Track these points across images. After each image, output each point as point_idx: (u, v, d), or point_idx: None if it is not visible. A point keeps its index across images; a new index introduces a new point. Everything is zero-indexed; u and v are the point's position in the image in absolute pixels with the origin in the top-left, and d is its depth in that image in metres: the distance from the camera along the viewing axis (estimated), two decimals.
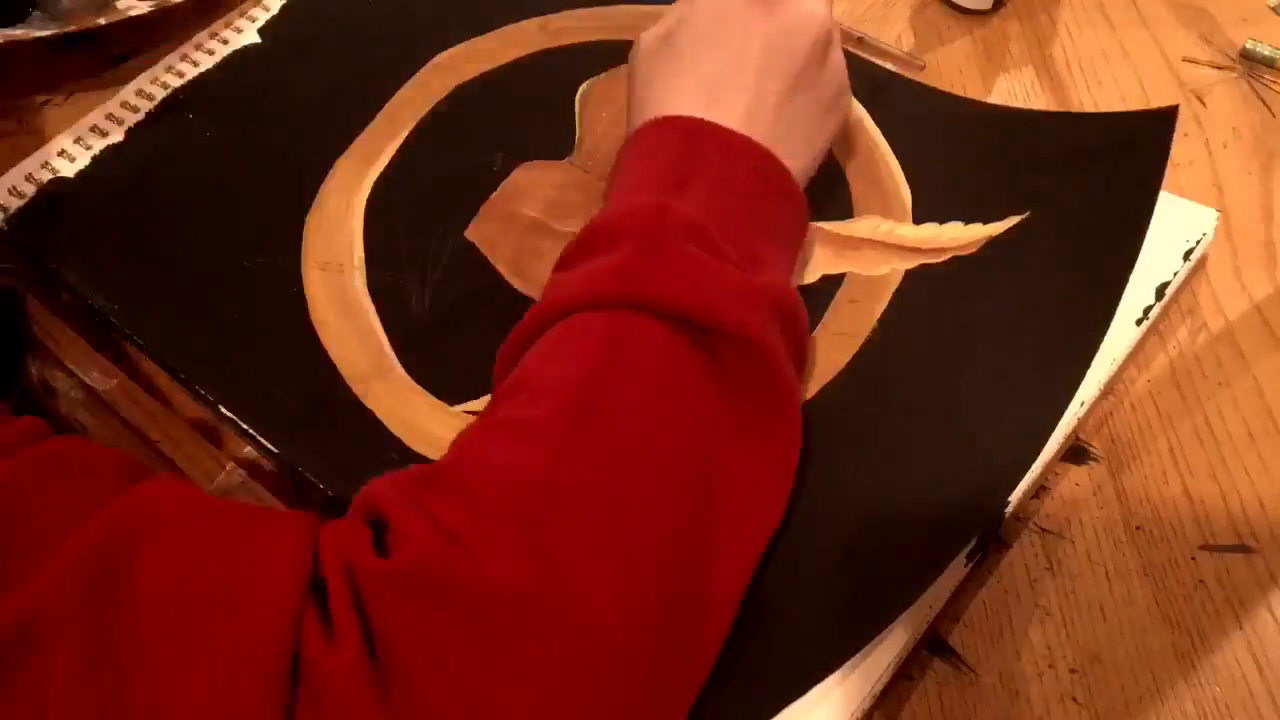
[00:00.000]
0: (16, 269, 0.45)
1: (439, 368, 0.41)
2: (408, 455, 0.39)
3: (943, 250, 0.43)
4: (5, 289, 0.45)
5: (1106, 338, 0.39)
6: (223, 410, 0.40)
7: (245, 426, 0.40)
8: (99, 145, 0.48)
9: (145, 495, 0.28)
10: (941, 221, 0.43)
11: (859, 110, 0.47)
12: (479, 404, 0.40)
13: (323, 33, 0.53)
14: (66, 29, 0.51)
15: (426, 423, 0.40)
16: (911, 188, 0.45)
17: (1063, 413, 0.38)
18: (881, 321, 0.41)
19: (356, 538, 0.29)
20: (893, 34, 0.52)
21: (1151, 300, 0.40)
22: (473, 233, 0.45)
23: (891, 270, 0.42)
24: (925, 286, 0.42)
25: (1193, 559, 0.36)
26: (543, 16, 0.52)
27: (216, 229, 0.45)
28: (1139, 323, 0.40)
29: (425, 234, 0.45)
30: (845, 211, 0.44)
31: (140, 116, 0.49)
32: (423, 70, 0.51)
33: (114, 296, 0.44)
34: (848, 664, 0.33)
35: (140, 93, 0.50)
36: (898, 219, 0.44)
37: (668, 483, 0.31)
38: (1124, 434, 0.39)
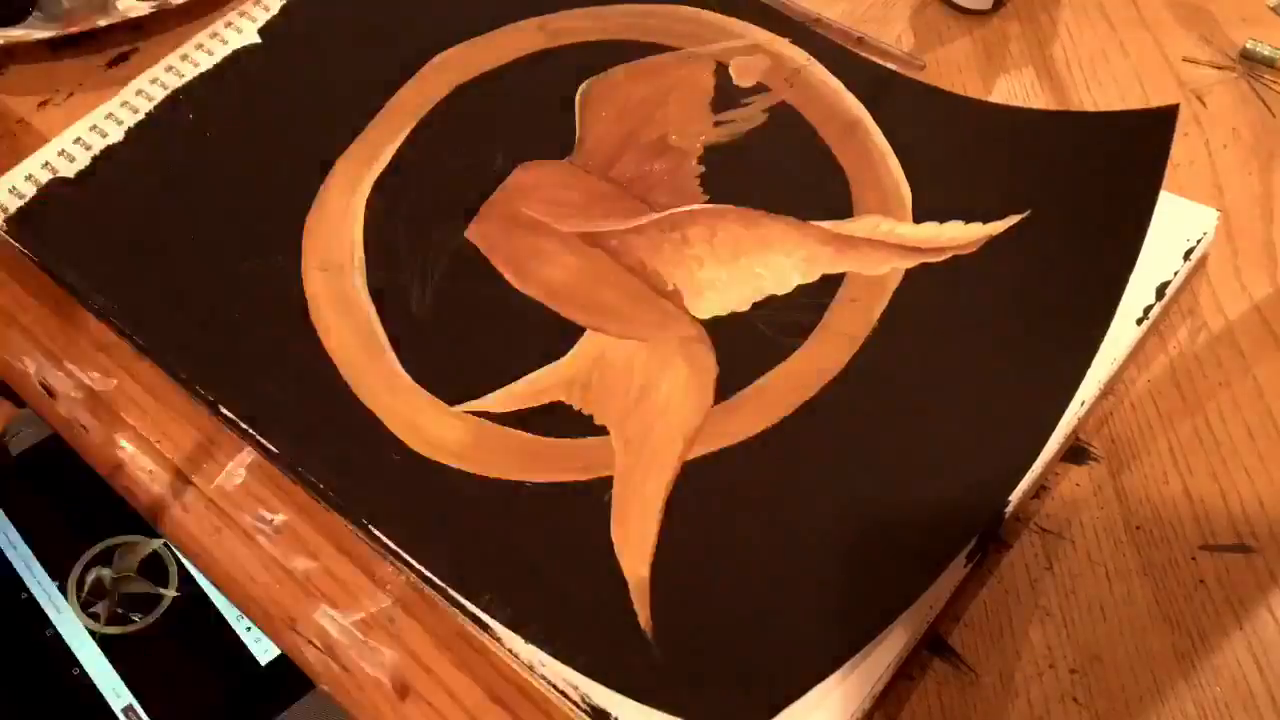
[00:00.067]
0: None
1: (439, 368, 0.41)
2: (408, 455, 0.39)
3: (943, 250, 0.43)
4: None
5: (1106, 337, 0.39)
6: (223, 410, 0.40)
7: (245, 426, 0.40)
8: (99, 145, 0.48)
9: None
10: (942, 221, 0.43)
11: (859, 110, 0.47)
12: (479, 404, 0.40)
13: (323, 33, 0.53)
14: (66, 29, 0.51)
15: (426, 423, 0.40)
16: (911, 187, 0.45)
17: (1063, 413, 0.38)
18: (881, 321, 0.41)
19: None
20: (893, 34, 0.52)
21: (1152, 300, 0.40)
22: (473, 232, 0.45)
23: (891, 270, 0.42)
24: (925, 286, 0.42)
25: (1193, 559, 0.36)
26: (542, 16, 0.52)
27: (217, 229, 0.45)
28: (1139, 322, 0.40)
29: (425, 234, 0.45)
30: (845, 211, 0.44)
31: (140, 116, 0.49)
32: (423, 70, 0.51)
33: (114, 296, 0.44)
34: (848, 664, 0.33)
35: (140, 93, 0.50)
36: (898, 218, 0.44)
37: None
38: (1124, 434, 0.39)
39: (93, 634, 0.84)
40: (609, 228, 0.44)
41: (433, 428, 0.39)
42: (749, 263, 0.43)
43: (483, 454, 0.39)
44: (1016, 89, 0.50)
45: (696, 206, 0.45)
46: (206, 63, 0.52)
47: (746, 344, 0.41)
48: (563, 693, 0.34)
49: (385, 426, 0.40)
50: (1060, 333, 0.40)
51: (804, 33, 0.51)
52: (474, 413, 0.40)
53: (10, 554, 0.86)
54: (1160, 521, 0.37)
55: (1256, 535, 0.36)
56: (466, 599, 0.36)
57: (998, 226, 0.43)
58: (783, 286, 0.42)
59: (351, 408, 0.40)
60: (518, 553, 0.37)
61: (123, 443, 0.42)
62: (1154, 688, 0.34)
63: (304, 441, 0.39)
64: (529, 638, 0.35)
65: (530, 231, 0.44)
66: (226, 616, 0.82)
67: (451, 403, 0.40)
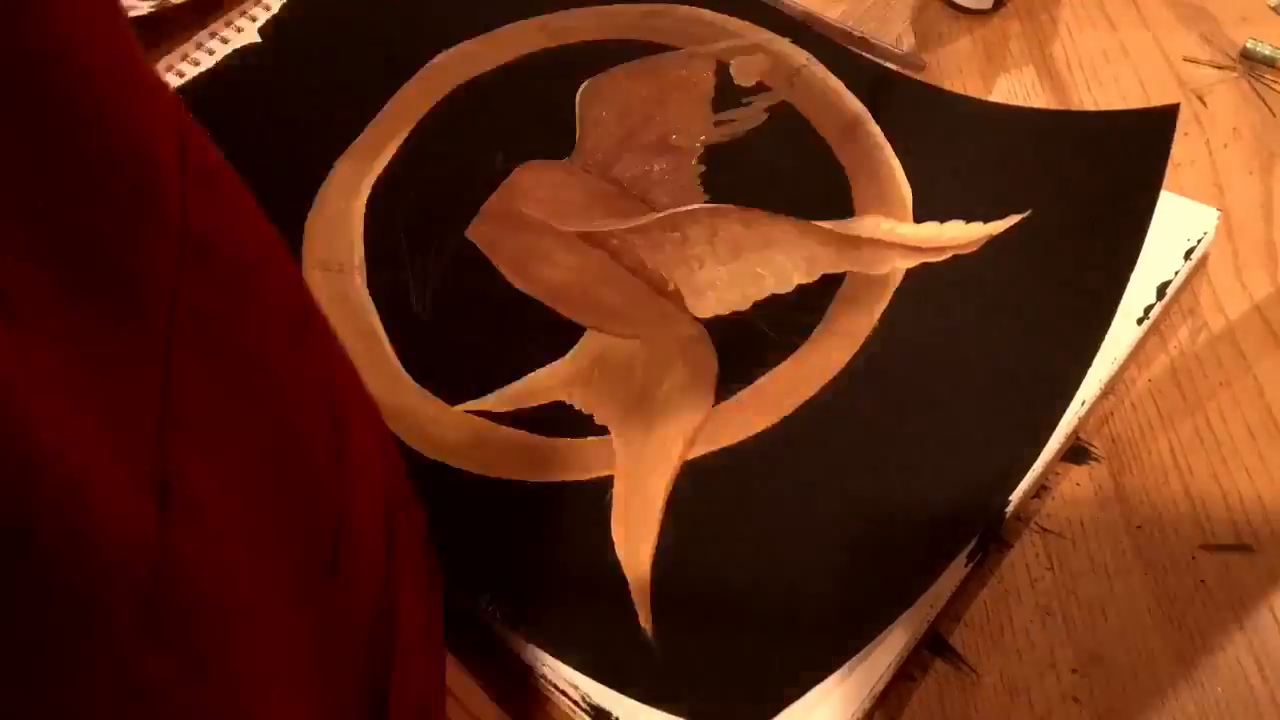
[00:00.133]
0: None
1: (439, 368, 0.41)
2: (407, 455, 0.39)
3: (943, 249, 0.43)
4: None
5: (1107, 337, 0.39)
6: None
7: None
8: None
9: None
10: (942, 220, 0.43)
11: (859, 110, 0.47)
12: (479, 404, 0.40)
13: (323, 33, 0.53)
14: None
15: (426, 423, 0.40)
16: (912, 187, 0.45)
17: (1063, 413, 0.38)
18: (882, 321, 0.41)
19: None
20: (893, 34, 0.52)
21: (1152, 299, 0.40)
22: (473, 233, 0.45)
23: (892, 269, 0.42)
24: (926, 286, 0.42)
25: (1193, 559, 0.36)
26: (542, 16, 0.52)
27: None
28: (1140, 322, 0.40)
29: (425, 234, 0.45)
30: (846, 211, 0.44)
31: None
32: (423, 70, 0.51)
33: None
34: (848, 664, 0.33)
35: None
36: (898, 218, 0.44)
37: None
38: (1124, 434, 0.39)
39: None
40: (609, 227, 0.44)
41: (433, 428, 0.39)
42: (749, 262, 0.43)
43: (483, 454, 0.39)
44: (1016, 89, 0.50)
45: (697, 206, 0.45)
46: (207, 63, 0.52)
47: (747, 344, 0.41)
48: (563, 693, 0.34)
49: (385, 426, 0.39)
50: (1060, 333, 0.40)
51: (804, 32, 0.51)
52: (474, 413, 0.40)
53: None
54: (1160, 521, 0.37)
55: (1256, 535, 0.36)
56: (466, 599, 0.36)
57: (998, 226, 0.43)
58: (783, 286, 0.42)
59: None
60: (517, 553, 0.37)
61: None
62: (1154, 688, 0.34)
63: None
64: (529, 638, 0.35)
65: (530, 231, 0.44)
66: None
67: (452, 403, 0.40)
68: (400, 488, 0.32)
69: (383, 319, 0.42)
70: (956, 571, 0.35)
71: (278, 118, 0.49)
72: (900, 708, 0.34)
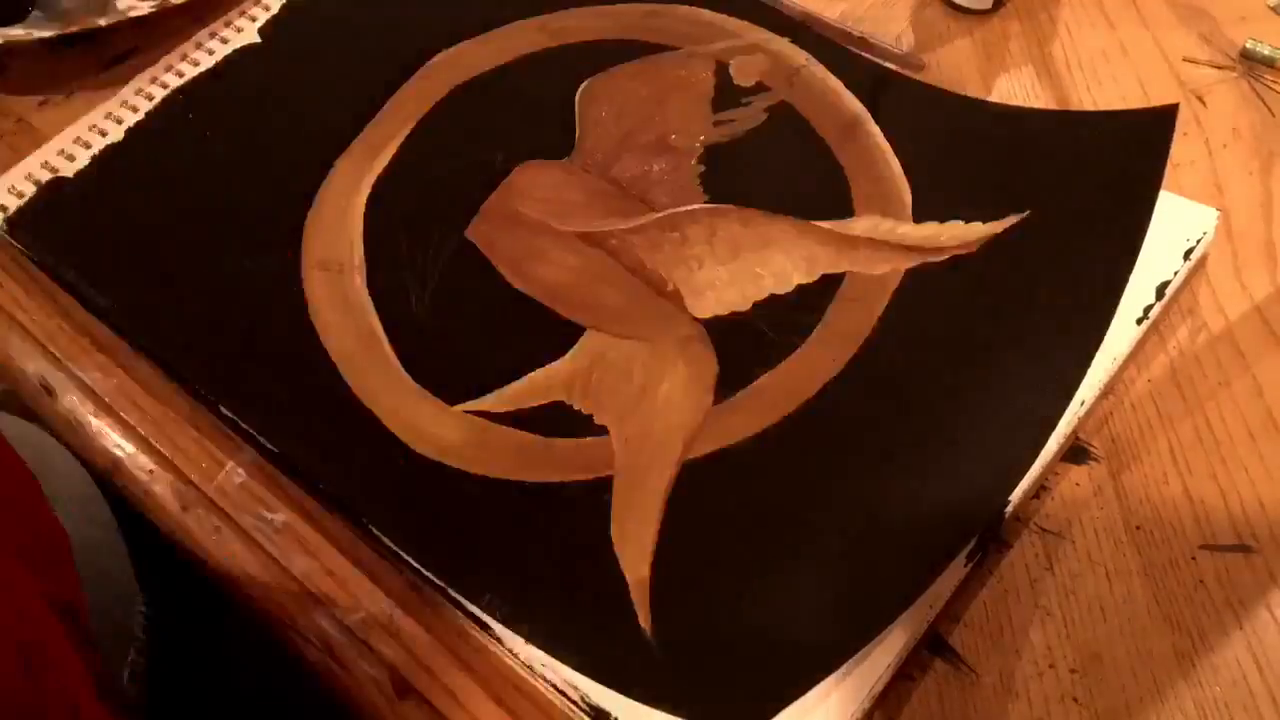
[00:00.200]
0: None
1: (439, 368, 0.41)
2: (408, 455, 0.39)
3: (943, 249, 0.43)
4: None
5: (1106, 337, 0.39)
6: (223, 410, 0.40)
7: (245, 426, 0.40)
8: (99, 145, 0.48)
9: None
10: (942, 221, 0.43)
11: (859, 110, 0.47)
12: (479, 404, 0.40)
13: (323, 33, 0.53)
14: (66, 29, 0.51)
15: (426, 423, 0.40)
16: (912, 187, 0.45)
17: (1063, 413, 0.38)
18: (881, 321, 0.41)
19: None
20: (893, 34, 0.52)
21: (1152, 300, 0.40)
22: (473, 233, 0.45)
23: (891, 269, 0.42)
24: (925, 286, 0.42)
25: (1193, 559, 0.36)
26: (542, 16, 0.52)
27: (217, 229, 0.45)
28: (1139, 322, 0.40)
29: (425, 234, 0.45)
30: (845, 211, 0.44)
31: (140, 116, 0.49)
32: (423, 70, 0.51)
33: (114, 296, 0.44)
34: (848, 664, 0.33)
35: (140, 93, 0.50)
36: (898, 218, 0.44)
37: None
38: (1124, 434, 0.39)
39: None
40: (609, 228, 0.44)
41: (433, 428, 0.39)
42: (749, 262, 0.43)
43: (483, 454, 0.39)
44: (1016, 89, 0.50)
45: (696, 206, 0.45)
46: (206, 63, 0.52)
47: (747, 344, 0.41)
48: (563, 693, 0.34)
49: (385, 426, 0.40)
50: (1060, 333, 0.40)
51: (804, 32, 0.51)
52: (474, 413, 0.40)
53: None
54: (1160, 521, 0.37)
55: (1256, 535, 0.36)
56: (466, 599, 0.36)
57: (998, 226, 0.43)
58: (783, 286, 0.42)
59: (351, 408, 0.40)
60: (517, 553, 0.37)
61: (122, 443, 0.42)
62: (1154, 688, 0.34)
63: (304, 441, 0.39)
64: (529, 638, 0.35)
65: (530, 231, 0.44)
66: None
67: (451, 403, 0.40)
68: None
69: (383, 319, 0.42)
70: (956, 571, 0.35)
71: (278, 118, 0.49)
72: (900, 708, 0.34)
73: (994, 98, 0.49)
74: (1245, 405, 0.39)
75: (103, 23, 0.52)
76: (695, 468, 0.38)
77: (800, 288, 0.42)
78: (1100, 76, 0.50)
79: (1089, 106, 0.49)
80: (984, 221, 0.43)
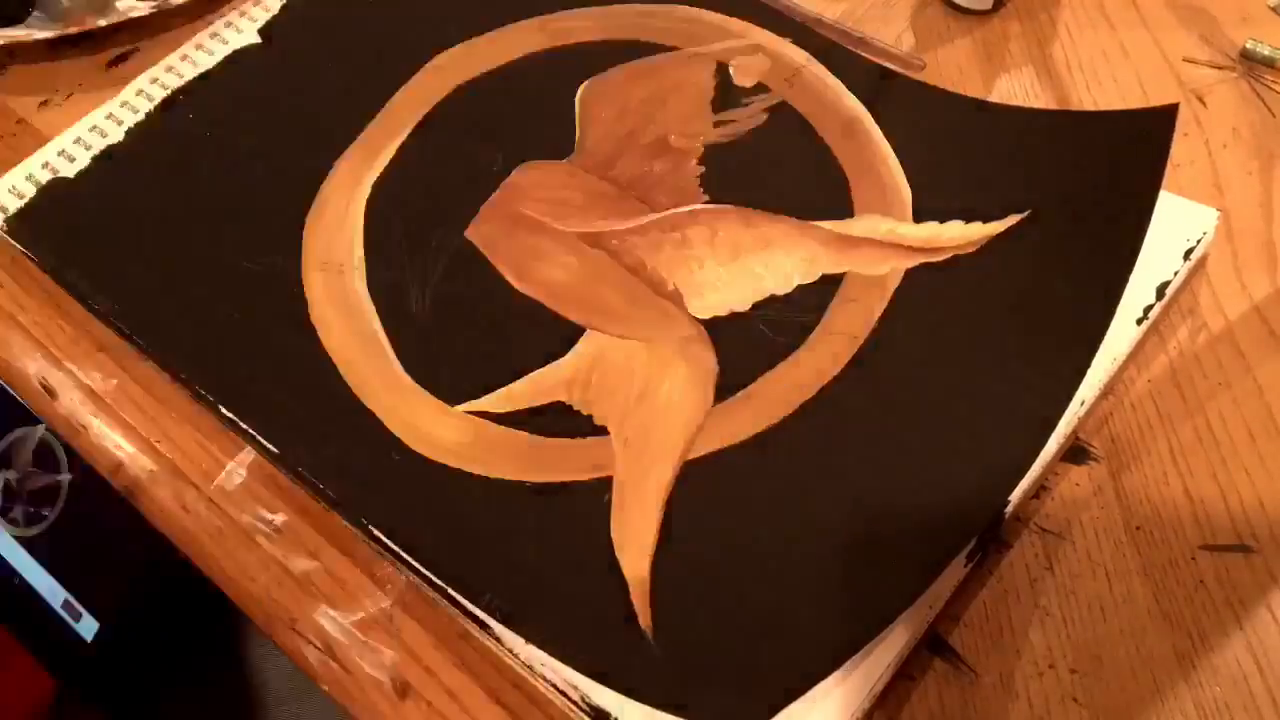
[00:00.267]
0: None
1: (439, 368, 0.41)
2: (408, 455, 0.39)
3: (943, 250, 0.43)
4: None
5: (1106, 337, 0.39)
6: (223, 410, 0.40)
7: (245, 426, 0.40)
8: (99, 145, 0.48)
9: None
10: (942, 221, 0.43)
11: (859, 110, 0.47)
12: (479, 404, 0.40)
13: (323, 33, 0.53)
14: (66, 29, 0.51)
15: (426, 423, 0.40)
16: (912, 187, 0.45)
17: (1063, 413, 0.38)
18: (881, 321, 0.41)
19: None
20: (893, 34, 0.52)
21: (1152, 300, 0.40)
22: (473, 233, 0.45)
23: (891, 270, 0.42)
24: (925, 286, 0.42)
25: (1193, 559, 0.36)
26: (542, 16, 0.52)
27: (216, 229, 0.45)
28: (1139, 322, 0.40)
29: (425, 234, 0.45)
30: (845, 211, 0.44)
31: (140, 116, 0.49)
32: (423, 70, 0.51)
33: (114, 296, 0.44)
34: (848, 664, 0.33)
35: (140, 93, 0.50)
36: (898, 218, 0.44)
37: None
38: (1124, 434, 0.39)
39: (19, 540, 0.83)
40: (609, 228, 0.44)
41: (433, 428, 0.39)
42: (749, 263, 0.43)
43: (483, 454, 0.39)
44: (1016, 89, 0.50)
45: (697, 206, 0.45)
46: (206, 63, 0.52)
47: (747, 344, 0.41)
48: (563, 693, 0.34)
49: (385, 426, 0.40)
50: (1060, 333, 0.40)
51: (804, 33, 0.51)
52: (474, 413, 0.40)
53: None
54: (1160, 521, 0.37)
55: (1256, 535, 0.36)
56: (466, 599, 0.36)
57: (998, 226, 0.43)
58: (783, 286, 0.42)
59: (351, 408, 0.40)
60: (518, 552, 0.37)
61: (123, 443, 0.42)
62: (1154, 688, 0.34)
63: (304, 441, 0.39)
64: (529, 638, 0.35)
65: (530, 232, 0.44)
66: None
67: (451, 403, 0.40)
68: None
69: (383, 319, 0.42)
70: (956, 571, 0.35)
71: (277, 118, 0.49)
72: (900, 707, 0.34)
73: (994, 98, 0.49)
74: (1245, 405, 0.39)
75: (103, 23, 0.52)
76: (695, 468, 0.38)
77: (800, 288, 0.42)
78: (1100, 76, 0.50)
79: (1089, 106, 0.49)
80: (984, 221, 0.43)
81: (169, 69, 0.51)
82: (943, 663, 0.35)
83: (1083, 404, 0.38)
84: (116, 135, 0.49)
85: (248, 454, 0.41)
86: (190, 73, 0.51)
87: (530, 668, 0.35)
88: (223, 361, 0.42)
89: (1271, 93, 0.48)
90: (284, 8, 0.54)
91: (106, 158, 0.48)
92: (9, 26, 0.52)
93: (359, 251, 0.44)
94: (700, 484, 0.38)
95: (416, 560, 0.36)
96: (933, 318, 0.41)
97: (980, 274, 0.42)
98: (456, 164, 0.47)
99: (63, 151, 0.48)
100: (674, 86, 0.49)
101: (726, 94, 0.49)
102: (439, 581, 0.36)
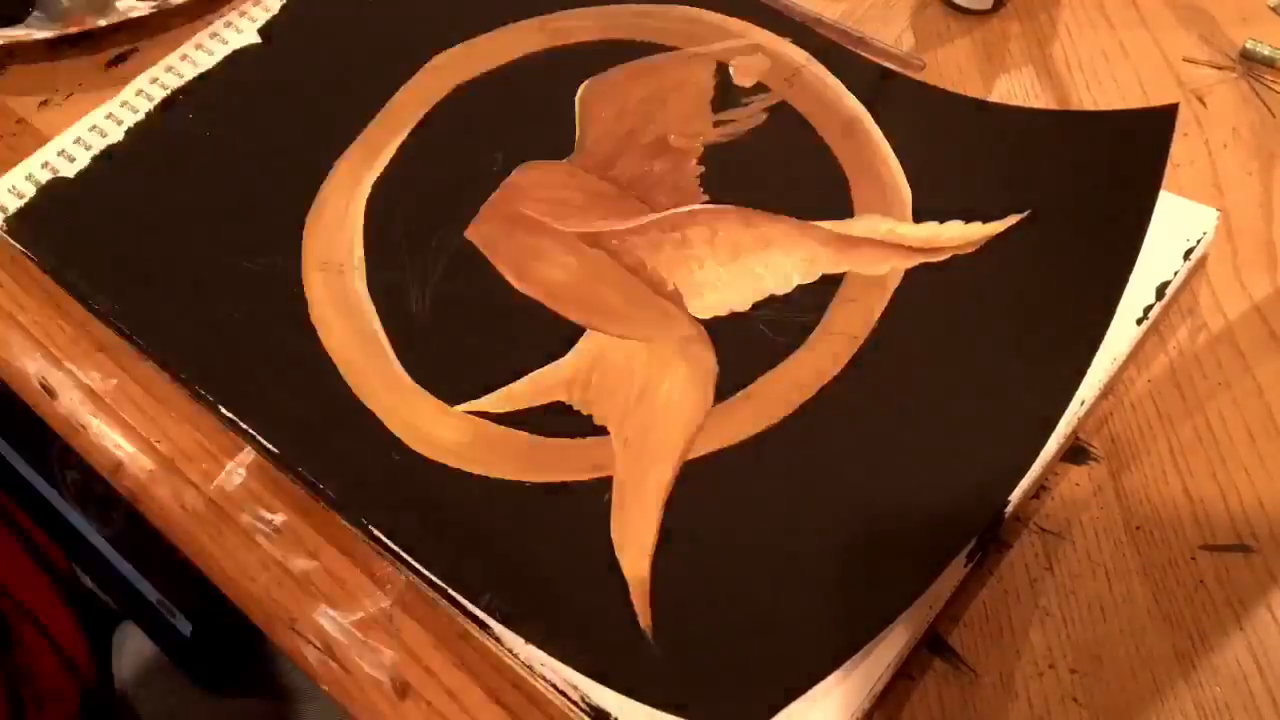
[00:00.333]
0: None
1: (439, 368, 0.41)
2: (408, 455, 0.39)
3: (943, 250, 0.43)
4: None
5: (1106, 337, 0.39)
6: (223, 410, 0.40)
7: (245, 426, 0.40)
8: (99, 145, 0.48)
9: None
10: (942, 221, 0.43)
11: (859, 110, 0.47)
12: (479, 404, 0.40)
13: (323, 33, 0.53)
14: (66, 29, 0.51)
15: (426, 423, 0.40)
16: (911, 187, 0.45)
17: (1063, 413, 0.38)
18: (881, 321, 0.41)
19: None
20: (893, 34, 0.52)
21: (1152, 300, 0.40)
22: (473, 233, 0.45)
23: (891, 270, 0.42)
24: (925, 286, 0.42)
25: (1193, 559, 0.36)
26: (542, 16, 0.52)
27: (216, 229, 0.45)
28: (1139, 322, 0.40)
29: (425, 234, 0.45)
30: (845, 211, 0.44)
31: (140, 116, 0.49)
32: (423, 70, 0.51)
33: (114, 296, 0.44)
34: (848, 664, 0.33)
35: (140, 93, 0.50)
36: (898, 218, 0.44)
37: None
38: (1124, 434, 0.39)
39: (109, 539, 0.82)
40: (609, 228, 0.44)
41: (433, 428, 0.39)
42: (749, 263, 0.43)
43: (483, 454, 0.39)
44: (1016, 89, 0.50)
45: (696, 206, 0.45)
46: (206, 63, 0.52)
47: (746, 344, 0.41)
48: (563, 693, 0.34)
49: (385, 426, 0.40)
50: (1060, 333, 0.40)
51: (804, 33, 0.51)
52: (474, 413, 0.40)
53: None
54: (1160, 521, 0.37)
55: (1256, 535, 0.36)
56: (466, 599, 0.36)
57: (998, 226, 0.43)
58: (783, 286, 0.42)
59: (351, 408, 0.40)
60: (518, 553, 0.37)
61: (123, 443, 0.42)
62: (1154, 688, 0.34)
63: (304, 441, 0.39)
64: (529, 638, 0.35)
65: (530, 232, 0.44)
66: None
67: (451, 403, 0.40)
68: None
69: (382, 319, 0.42)
70: (956, 571, 0.35)
71: (277, 118, 0.49)
72: (900, 707, 0.34)
73: (994, 98, 0.49)
74: (1245, 405, 0.39)
75: (102, 23, 0.52)
76: (695, 468, 0.38)
77: (800, 288, 0.42)
78: (1100, 76, 0.50)
79: (1089, 106, 0.49)
80: (984, 221, 0.43)
81: (169, 69, 0.51)
82: (943, 663, 0.35)
83: (1083, 404, 0.38)
84: (116, 135, 0.49)
85: (248, 454, 0.41)
86: (190, 73, 0.51)
87: (530, 668, 0.35)
88: (222, 361, 0.42)
89: (1271, 93, 0.48)
90: (284, 8, 0.54)
91: (106, 158, 0.48)
92: (9, 26, 0.52)
93: (359, 251, 0.44)
94: (700, 484, 0.38)
95: (416, 560, 0.36)
96: (932, 318, 0.41)
97: (980, 274, 0.42)
98: (456, 164, 0.47)
99: (63, 151, 0.48)
100: (674, 86, 0.49)
101: (726, 94, 0.49)
102: (439, 581, 0.36)
